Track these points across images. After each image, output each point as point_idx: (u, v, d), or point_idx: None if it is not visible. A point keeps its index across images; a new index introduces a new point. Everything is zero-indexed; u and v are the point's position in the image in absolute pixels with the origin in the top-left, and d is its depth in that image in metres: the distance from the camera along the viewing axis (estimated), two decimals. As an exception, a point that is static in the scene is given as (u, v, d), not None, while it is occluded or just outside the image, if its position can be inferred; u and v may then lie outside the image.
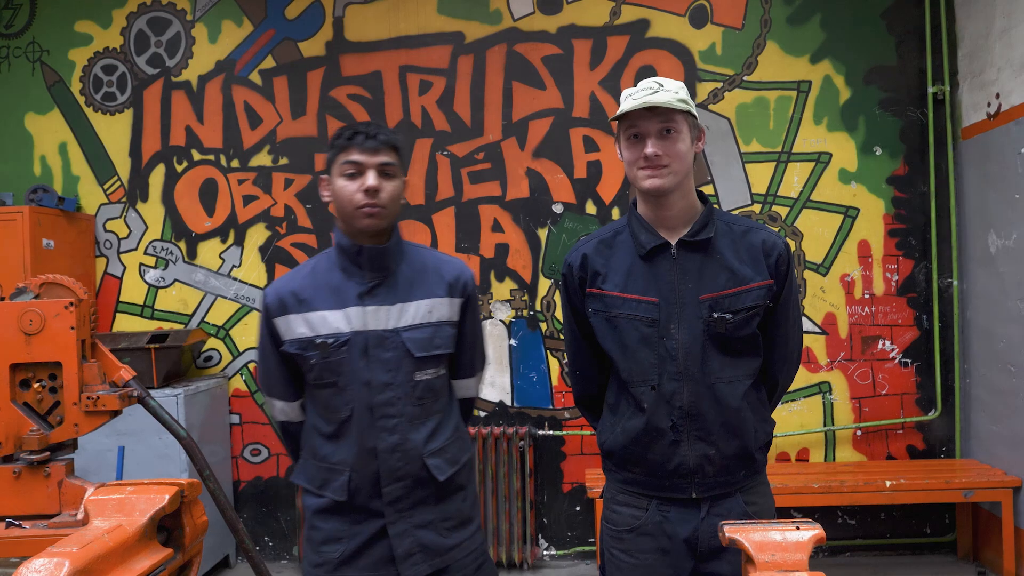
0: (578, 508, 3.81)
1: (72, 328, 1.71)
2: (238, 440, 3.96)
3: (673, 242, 1.60)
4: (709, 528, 1.57)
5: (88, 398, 1.72)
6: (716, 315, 1.55)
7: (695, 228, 1.60)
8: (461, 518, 1.69)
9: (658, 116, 1.54)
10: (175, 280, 4.01)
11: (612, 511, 1.68)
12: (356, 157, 1.59)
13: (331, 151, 1.65)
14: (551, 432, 3.78)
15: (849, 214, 3.80)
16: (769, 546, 1.15)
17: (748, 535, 1.17)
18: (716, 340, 1.57)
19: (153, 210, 4.02)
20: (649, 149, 1.54)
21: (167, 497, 1.29)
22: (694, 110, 1.59)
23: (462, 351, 1.77)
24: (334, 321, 1.61)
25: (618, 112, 1.58)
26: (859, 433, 3.82)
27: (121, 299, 4.03)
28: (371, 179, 1.58)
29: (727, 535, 1.17)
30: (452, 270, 1.73)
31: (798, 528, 1.18)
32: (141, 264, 4.03)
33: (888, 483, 3.37)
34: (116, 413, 1.78)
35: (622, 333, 1.61)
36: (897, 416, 3.80)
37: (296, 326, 1.63)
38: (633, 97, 1.55)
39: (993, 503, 3.50)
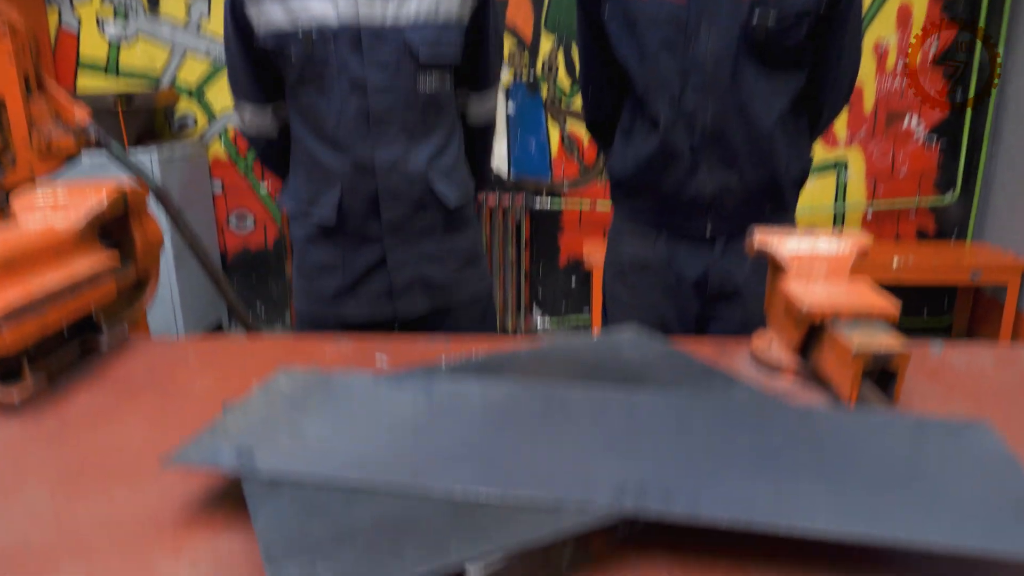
0: (573, 283, 3.73)
1: (10, 55, 1.46)
2: (222, 209, 3.79)
3: None
4: (721, 270, 1.42)
5: (40, 137, 1.51)
6: (758, 10, 1.29)
7: None
8: (468, 256, 1.52)
9: None
10: (139, 33, 3.64)
11: (616, 246, 1.52)
12: None
13: None
14: (549, 204, 3.61)
15: (892, -30, 3.40)
16: (805, 256, 0.99)
17: (781, 243, 1.00)
18: (753, 48, 1.32)
19: (108, -50, 3.57)
20: None
21: (106, 197, 1.11)
22: None
23: (481, 54, 1.50)
24: (318, 8, 1.34)
25: None
26: (870, 215, 3.67)
27: (81, 57, 3.68)
28: None
29: (757, 243, 1.01)
30: None
31: (839, 237, 1.02)
32: (98, 16, 3.63)
33: (896, 261, 3.26)
34: (74, 158, 1.58)
35: (641, 37, 1.36)
36: (913, 197, 3.63)
37: (272, 15, 1.35)
38: None
39: (998, 287, 3.43)
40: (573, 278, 3.73)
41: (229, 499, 0.67)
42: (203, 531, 0.63)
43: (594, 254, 3.27)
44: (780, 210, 1.46)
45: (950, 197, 3.59)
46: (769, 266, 1.04)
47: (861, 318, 0.85)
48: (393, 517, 0.55)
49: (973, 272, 3.28)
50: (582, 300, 3.75)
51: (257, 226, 3.80)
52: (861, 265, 0.98)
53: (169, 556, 0.60)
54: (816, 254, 0.99)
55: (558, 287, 3.75)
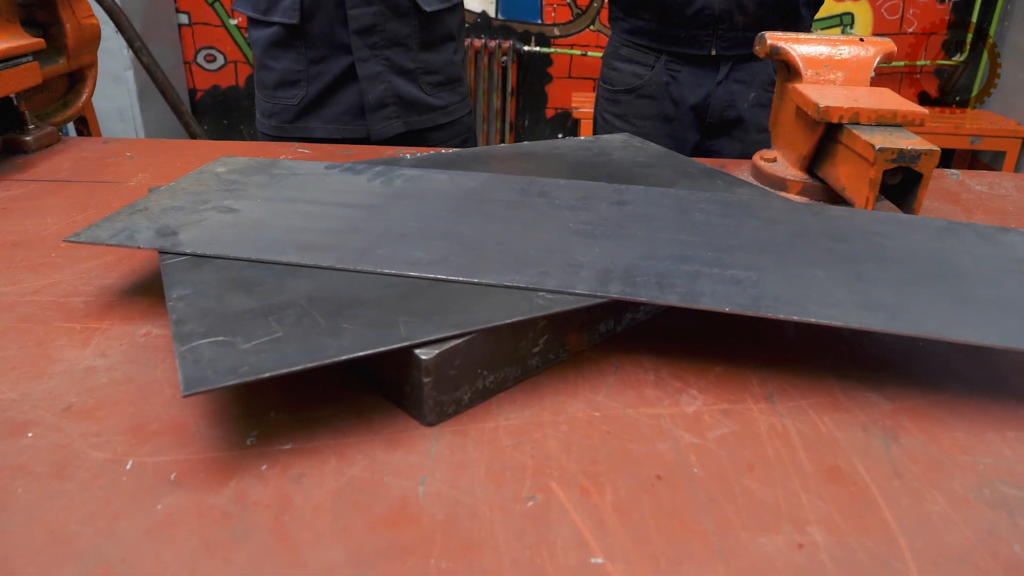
0: (561, 136, 3.57)
1: None
2: (189, 44, 3.54)
3: None
4: (724, 94, 1.29)
5: None
6: None
7: None
8: (449, 75, 1.37)
9: None
10: None
11: (611, 68, 1.38)
12: None
13: None
14: (537, 49, 3.39)
15: None
16: (821, 60, 0.88)
17: (795, 46, 0.88)
18: None
19: None
20: None
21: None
22: None
23: None
24: None
25: None
26: (872, 74, 3.48)
27: None
28: None
29: (768, 42, 0.89)
30: None
31: (862, 41, 0.90)
32: None
33: (896, 123, 3.12)
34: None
35: None
36: (919, 59, 3.45)
37: None
38: None
39: (997, 153, 3.32)
40: (560, 132, 3.57)
41: (152, 290, 0.58)
42: (118, 320, 0.54)
43: (583, 105, 3.10)
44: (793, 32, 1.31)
45: (958, 59, 3.41)
46: (779, 73, 0.92)
47: (884, 122, 0.75)
48: (334, 292, 0.46)
49: (972, 138, 3.17)
50: (568, 155, 3.60)
51: (227, 64, 3.56)
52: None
53: (76, 344, 0.51)
54: (834, 57, 0.87)
55: (544, 139, 3.59)
